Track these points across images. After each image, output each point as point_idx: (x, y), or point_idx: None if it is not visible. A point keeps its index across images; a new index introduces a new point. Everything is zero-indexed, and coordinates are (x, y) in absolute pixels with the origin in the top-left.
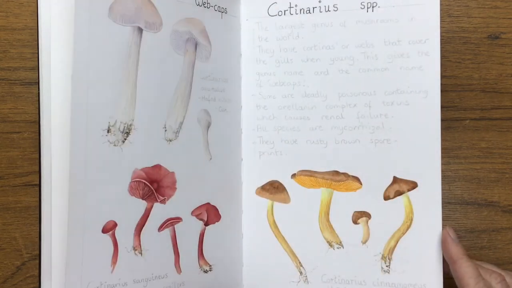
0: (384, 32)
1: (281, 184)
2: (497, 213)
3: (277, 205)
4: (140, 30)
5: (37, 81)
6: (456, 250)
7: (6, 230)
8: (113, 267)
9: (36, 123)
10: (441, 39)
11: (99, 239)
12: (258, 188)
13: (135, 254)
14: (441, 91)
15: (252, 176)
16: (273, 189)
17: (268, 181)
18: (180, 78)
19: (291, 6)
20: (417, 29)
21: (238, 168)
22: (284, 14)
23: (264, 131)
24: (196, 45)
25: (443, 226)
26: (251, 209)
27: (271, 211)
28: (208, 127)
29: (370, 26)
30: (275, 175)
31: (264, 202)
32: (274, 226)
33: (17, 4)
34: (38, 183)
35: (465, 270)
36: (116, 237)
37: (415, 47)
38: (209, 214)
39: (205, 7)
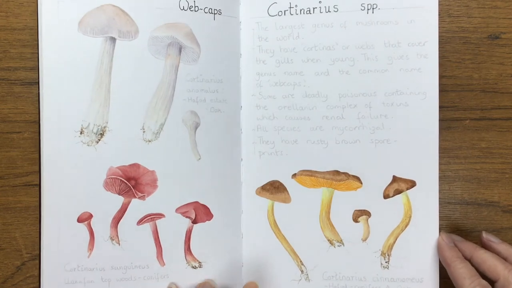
0: (384, 34)
1: (281, 184)
2: (497, 213)
3: (278, 205)
4: (113, 39)
5: (37, 81)
6: (449, 254)
7: (6, 230)
8: (90, 253)
9: (36, 123)
10: (441, 39)
11: (74, 227)
12: (258, 188)
13: (112, 243)
14: (441, 91)
15: (252, 176)
16: (274, 189)
17: (268, 181)
18: (160, 82)
19: (291, 6)
20: (416, 31)
21: (236, 168)
22: (284, 14)
23: (264, 131)
24: (180, 48)
25: (441, 227)
26: (251, 209)
27: (271, 211)
28: (196, 127)
29: (370, 28)
30: (276, 175)
31: (264, 202)
32: (274, 226)
33: (17, 4)
34: (38, 183)
35: (459, 271)
36: (92, 227)
37: (414, 49)
38: (198, 212)
39: (191, 10)
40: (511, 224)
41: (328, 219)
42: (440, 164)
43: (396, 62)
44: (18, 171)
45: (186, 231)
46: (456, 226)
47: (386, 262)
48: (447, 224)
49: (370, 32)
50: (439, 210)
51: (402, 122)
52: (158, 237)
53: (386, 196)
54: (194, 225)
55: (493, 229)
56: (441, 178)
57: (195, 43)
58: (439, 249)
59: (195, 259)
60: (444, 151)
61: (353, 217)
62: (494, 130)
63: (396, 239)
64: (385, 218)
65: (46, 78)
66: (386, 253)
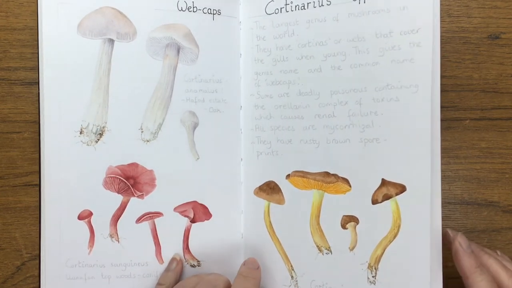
0: (376, 23)
1: (276, 184)
2: (497, 213)
3: (273, 206)
4: (111, 41)
5: (37, 81)
6: (468, 264)
7: (6, 230)
8: (90, 250)
9: (36, 123)
10: (441, 39)
11: (75, 224)
12: (256, 188)
13: (112, 240)
14: (441, 91)
15: (250, 176)
16: (269, 189)
17: (265, 181)
18: (158, 82)
19: (287, 3)
20: (409, 18)
21: (235, 168)
22: (281, 11)
23: (262, 131)
24: (178, 49)
25: (444, 229)
26: (250, 209)
27: (267, 212)
28: (195, 127)
29: (362, 19)
30: (272, 175)
31: (262, 202)
32: (270, 227)
33: (17, 4)
34: (38, 183)
35: (479, 285)
36: (92, 224)
37: (407, 37)
38: (196, 211)
39: (190, 11)
40: (511, 224)
41: (318, 223)
42: (440, 164)
43: (388, 54)
44: (18, 171)
45: (185, 230)
46: (456, 226)
47: (373, 276)
48: (447, 224)
49: (362, 23)
50: (440, 210)
51: (392, 119)
52: (156, 235)
53: (374, 202)
54: (193, 224)
55: (493, 229)
56: (441, 178)
57: (193, 43)
58: (456, 256)
59: (193, 258)
60: (444, 151)
61: (341, 223)
62: (494, 130)
63: (383, 251)
64: (373, 226)
65: (46, 78)
66: (373, 266)
